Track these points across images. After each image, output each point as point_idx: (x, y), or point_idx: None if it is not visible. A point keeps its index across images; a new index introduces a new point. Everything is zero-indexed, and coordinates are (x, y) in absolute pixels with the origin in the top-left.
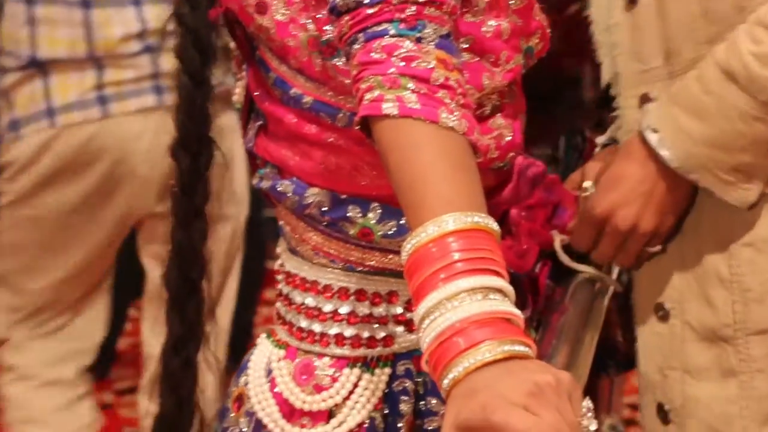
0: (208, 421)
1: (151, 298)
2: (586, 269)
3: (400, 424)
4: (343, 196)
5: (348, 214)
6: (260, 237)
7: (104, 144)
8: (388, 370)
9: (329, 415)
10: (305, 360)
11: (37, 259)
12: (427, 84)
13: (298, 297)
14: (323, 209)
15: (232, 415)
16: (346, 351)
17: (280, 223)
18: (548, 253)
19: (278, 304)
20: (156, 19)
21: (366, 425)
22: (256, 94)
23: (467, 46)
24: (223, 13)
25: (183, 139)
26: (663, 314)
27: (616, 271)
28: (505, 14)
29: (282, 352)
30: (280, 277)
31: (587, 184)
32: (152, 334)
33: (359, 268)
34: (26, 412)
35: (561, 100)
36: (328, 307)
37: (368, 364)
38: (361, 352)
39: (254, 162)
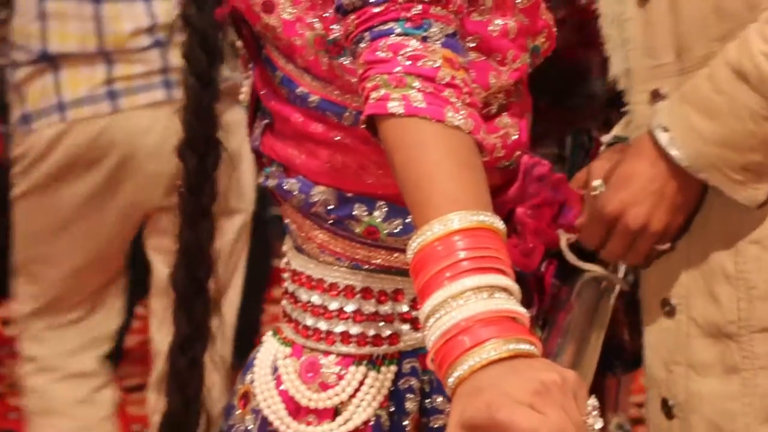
0: (214, 419)
1: (157, 293)
2: (592, 268)
3: (405, 422)
4: (349, 195)
5: (354, 213)
6: (267, 235)
7: (114, 138)
8: (393, 368)
9: (335, 412)
10: (311, 358)
11: (51, 248)
12: (433, 83)
13: (303, 295)
14: (329, 207)
15: (238, 412)
16: (351, 349)
17: (286, 221)
18: (554, 252)
19: (284, 302)
20: (165, 13)
21: (372, 423)
22: (262, 92)
23: (474, 45)
24: (229, 12)
25: (190, 139)
26: (669, 310)
27: (622, 269)
28: (512, 13)
29: (288, 350)
30: (285, 275)
31: (597, 182)
32: (160, 331)
33: (365, 267)
34: (47, 403)
35: (574, 92)
36: (333, 305)
37: (374, 362)
38: (367, 350)
39: (260, 160)
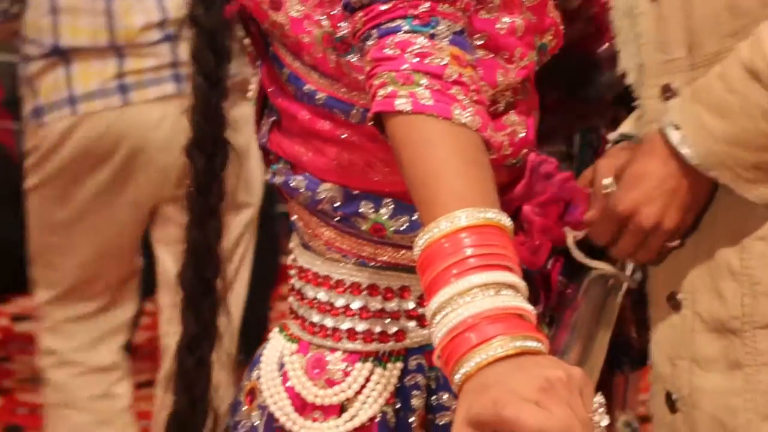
0: (221, 418)
1: (164, 287)
2: (599, 265)
3: (411, 419)
4: (356, 192)
5: (360, 210)
6: (275, 232)
7: (124, 131)
8: (400, 365)
9: (341, 409)
10: (317, 354)
11: (65, 239)
12: (440, 80)
13: (310, 292)
14: (336, 205)
15: (245, 408)
16: (358, 345)
17: (293, 218)
18: (560, 250)
19: (291, 299)
20: (176, 8)
21: (378, 419)
22: (269, 90)
23: (481, 42)
24: (238, 10)
25: (198, 139)
26: (675, 304)
27: (630, 267)
28: (519, 11)
29: (294, 347)
30: (292, 272)
31: (607, 181)
32: (170, 326)
33: (371, 264)
34: (66, 397)
35: (587, 83)
36: (340, 302)
37: (380, 359)
38: (373, 346)
39: (267, 158)
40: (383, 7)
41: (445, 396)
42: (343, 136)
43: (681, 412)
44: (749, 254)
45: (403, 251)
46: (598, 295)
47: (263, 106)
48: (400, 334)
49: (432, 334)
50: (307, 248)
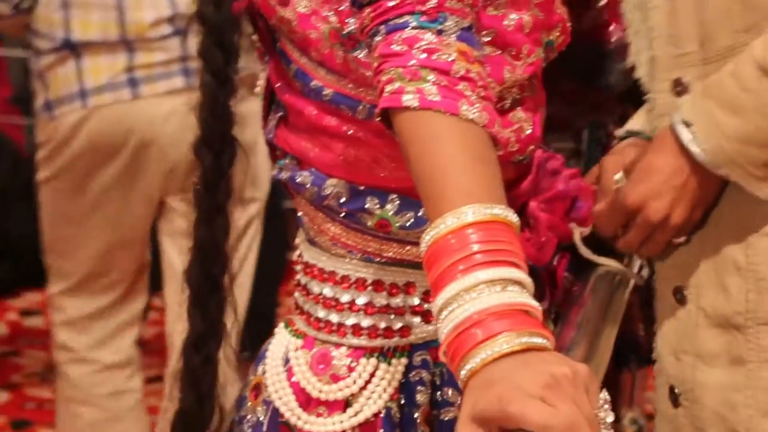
0: (227, 414)
1: (169, 280)
2: (606, 262)
3: (416, 415)
4: (362, 188)
5: (366, 206)
6: (283, 228)
7: (134, 124)
8: (404, 361)
9: (345, 404)
10: (322, 350)
11: (77, 230)
12: (447, 76)
13: (315, 287)
14: (341, 200)
15: (249, 403)
16: (363, 341)
17: (299, 213)
18: (566, 246)
19: (296, 294)
20: (186, 3)
21: (382, 415)
22: (277, 85)
23: (489, 39)
24: (246, 5)
25: (206, 136)
26: (680, 298)
27: (637, 264)
28: (527, 7)
29: (299, 342)
30: (298, 267)
31: (618, 176)
32: (176, 323)
33: (377, 259)
34: (82, 394)
35: (603, 71)
36: (345, 298)
37: (385, 355)
38: (378, 342)
39: (274, 153)
40: (391, 3)
41: (450, 392)
42: (349, 132)
43: (683, 406)
44: (755, 250)
45: (409, 247)
46: (605, 292)
47: (271, 101)
48: (405, 330)
49: (438, 329)
50: (313, 244)
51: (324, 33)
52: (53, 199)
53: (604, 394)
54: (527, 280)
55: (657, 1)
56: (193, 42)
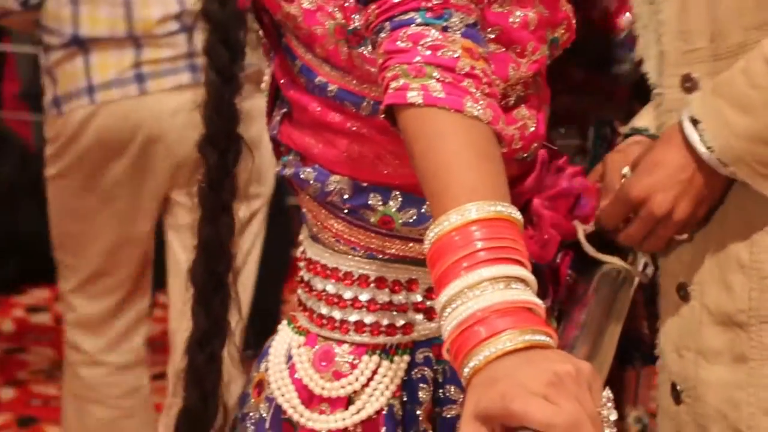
0: (231, 414)
1: (173, 274)
2: (610, 260)
3: (418, 412)
4: (365, 184)
5: (369, 202)
6: (287, 225)
7: (141, 120)
8: (407, 358)
9: (348, 401)
10: (325, 346)
11: (87, 225)
12: (452, 73)
13: (318, 284)
14: (345, 197)
15: (252, 400)
16: (365, 338)
17: (303, 210)
18: (569, 244)
19: (299, 291)
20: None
21: (384, 412)
22: (281, 81)
23: (494, 36)
24: (251, 1)
25: (211, 135)
26: (684, 294)
27: (641, 262)
28: (532, 5)
29: (302, 339)
30: (301, 264)
31: (625, 170)
32: (180, 321)
33: (380, 256)
34: (96, 394)
35: (616, 59)
36: (348, 294)
37: (387, 352)
38: (381, 339)
39: (278, 149)
40: (396, 0)
41: (452, 389)
42: (353, 129)
43: (685, 403)
44: (759, 248)
45: (412, 244)
46: (609, 290)
47: (275, 97)
48: (408, 327)
49: (441, 327)
50: (316, 240)
51: (329, 29)
52: (62, 196)
53: (608, 392)
54: (531, 277)
55: None
56: (200, 38)
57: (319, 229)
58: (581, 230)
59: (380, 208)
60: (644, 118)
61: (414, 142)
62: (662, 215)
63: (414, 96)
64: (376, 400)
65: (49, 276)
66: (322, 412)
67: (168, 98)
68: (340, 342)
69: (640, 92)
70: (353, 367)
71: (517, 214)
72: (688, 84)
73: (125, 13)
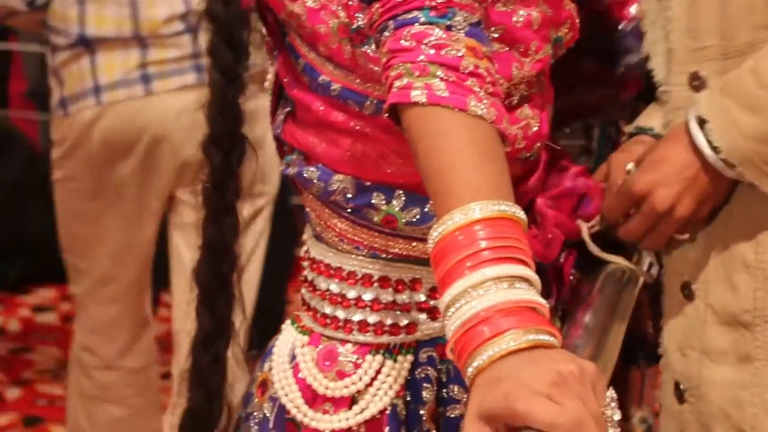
0: (235, 414)
1: (176, 272)
2: (615, 259)
3: (422, 412)
4: (368, 183)
5: (372, 201)
6: (292, 224)
7: (147, 121)
8: (410, 357)
9: (351, 401)
10: (329, 346)
11: (95, 228)
12: (456, 72)
13: (322, 283)
14: (348, 196)
15: (256, 400)
16: (369, 338)
17: (306, 209)
18: (573, 243)
19: (303, 290)
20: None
21: (388, 412)
22: (285, 80)
23: (497, 35)
24: (255, 0)
25: (215, 135)
26: (688, 293)
27: (646, 261)
28: (536, 4)
29: (306, 338)
30: (305, 263)
31: (630, 166)
32: (184, 322)
33: (383, 255)
34: (110, 395)
35: (627, 48)
36: (351, 294)
37: (391, 351)
38: (384, 339)
39: (282, 148)
40: None
41: (456, 389)
42: (356, 128)
43: (689, 402)
44: (765, 248)
45: (415, 243)
46: (613, 290)
47: (279, 96)
48: (411, 327)
49: (445, 326)
50: (320, 240)
51: (332, 28)
52: (70, 199)
53: (611, 392)
54: (534, 277)
55: None
56: (205, 39)
57: (322, 229)
58: (585, 229)
59: (383, 208)
60: (649, 118)
61: (417, 141)
62: (664, 211)
63: (418, 95)
64: (379, 399)
65: (55, 276)
66: (325, 412)
67: (173, 98)
68: (343, 341)
69: (644, 92)
70: (357, 366)
71: (521, 214)
72: (696, 82)
73: (131, 13)
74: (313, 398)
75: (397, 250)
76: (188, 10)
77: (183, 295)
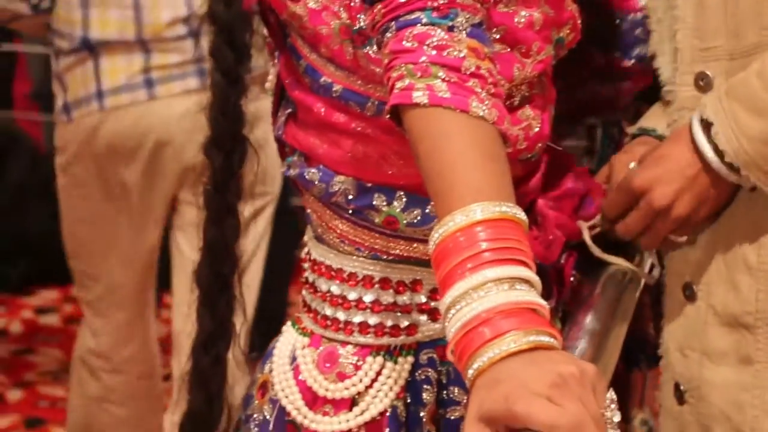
0: (235, 416)
1: (178, 273)
2: (617, 261)
3: (422, 413)
4: (369, 185)
5: (373, 203)
6: (293, 225)
7: (150, 125)
8: (411, 359)
9: (352, 403)
10: (329, 348)
11: (101, 233)
12: (458, 73)
13: (323, 285)
14: (349, 197)
15: (256, 402)
16: (369, 339)
17: (307, 211)
18: (574, 245)
19: (304, 292)
20: (202, 3)
21: (388, 414)
22: (286, 81)
23: (499, 36)
24: (257, 1)
25: (216, 136)
26: (690, 294)
27: (648, 263)
28: (537, 4)
29: (306, 340)
30: (306, 264)
31: (632, 164)
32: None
33: (384, 257)
34: (118, 396)
35: (635, 40)
36: (352, 295)
37: (391, 353)
38: (385, 340)
39: (283, 150)
40: (402, 0)
41: (456, 390)
42: (358, 129)
43: (689, 403)
44: (767, 251)
45: (416, 244)
46: (615, 292)
47: (281, 97)
48: (412, 328)
49: (445, 328)
50: (321, 241)
51: (334, 29)
52: (75, 206)
53: (611, 394)
54: (535, 278)
55: None
56: (207, 43)
57: (323, 230)
58: (586, 230)
59: (385, 209)
60: (652, 119)
61: (419, 142)
62: (662, 207)
63: (419, 96)
64: (380, 401)
65: (57, 277)
66: (325, 414)
67: (176, 103)
68: (344, 343)
69: (648, 92)
70: (357, 368)
71: (522, 215)
72: (703, 82)
73: (135, 16)
74: (313, 400)
75: (398, 252)
76: (191, 13)
77: (184, 296)
